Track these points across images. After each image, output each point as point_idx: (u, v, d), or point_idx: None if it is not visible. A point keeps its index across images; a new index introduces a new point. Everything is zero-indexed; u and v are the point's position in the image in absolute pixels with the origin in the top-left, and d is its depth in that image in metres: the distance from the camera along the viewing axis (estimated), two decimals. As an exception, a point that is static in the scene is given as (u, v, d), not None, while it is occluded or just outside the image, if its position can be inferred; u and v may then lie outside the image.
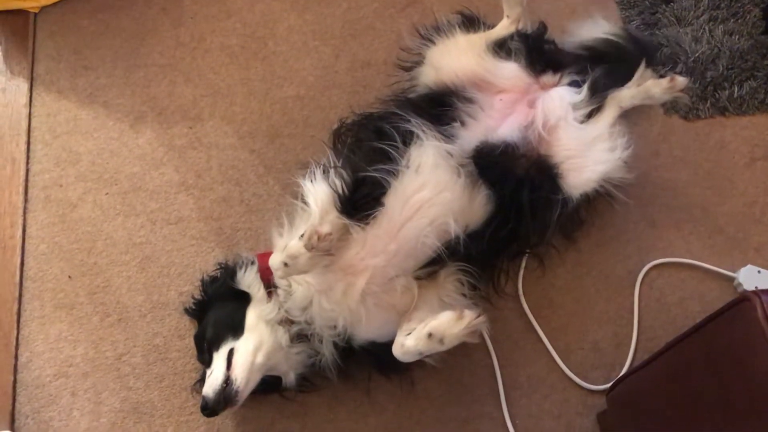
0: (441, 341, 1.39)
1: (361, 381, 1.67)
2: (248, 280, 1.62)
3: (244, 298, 1.61)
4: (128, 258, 1.84)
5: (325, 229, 1.40)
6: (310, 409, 1.70)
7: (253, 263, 1.64)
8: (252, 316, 1.58)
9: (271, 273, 1.55)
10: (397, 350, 1.47)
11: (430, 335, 1.40)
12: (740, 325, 1.19)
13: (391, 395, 1.70)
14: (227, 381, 1.49)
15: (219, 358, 1.53)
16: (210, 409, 1.48)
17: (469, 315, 1.39)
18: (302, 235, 1.40)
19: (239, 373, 1.49)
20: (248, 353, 1.52)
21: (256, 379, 1.53)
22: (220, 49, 2.07)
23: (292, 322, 1.55)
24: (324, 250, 1.41)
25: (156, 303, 1.80)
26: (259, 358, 1.52)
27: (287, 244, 1.43)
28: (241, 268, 1.64)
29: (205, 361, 1.57)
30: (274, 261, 1.46)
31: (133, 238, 1.86)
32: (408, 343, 1.44)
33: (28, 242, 1.86)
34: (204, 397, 1.49)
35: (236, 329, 1.56)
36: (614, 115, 1.66)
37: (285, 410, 1.69)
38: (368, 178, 1.51)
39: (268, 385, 1.59)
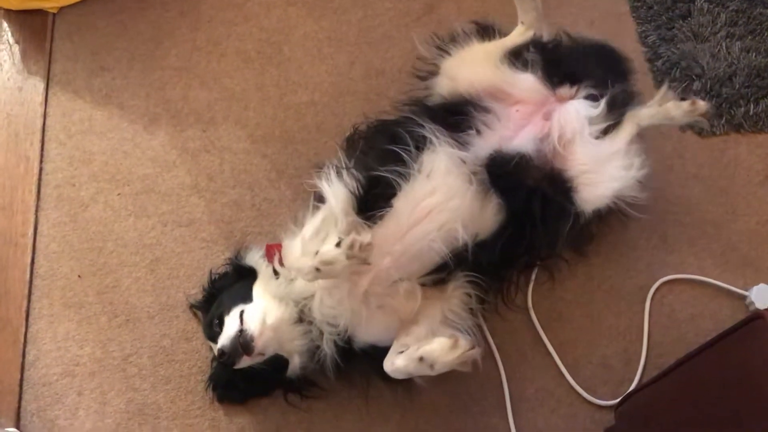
0: (431, 366, 1.40)
1: (363, 386, 1.66)
2: (255, 258, 1.65)
3: (251, 276, 1.63)
4: (138, 259, 1.85)
5: (367, 239, 1.38)
6: (315, 416, 1.69)
7: (260, 248, 1.67)
8: (259, 289, 1.59)
9: (273, 258, 1.58)
10: (387, 366, 1.48)
11: (421, 359, 1.40)
12: (752, 344, 1.18)
13: (396, 405, 1.69)
14: (241, 331, 1.48)
15: (230, 319, 1.53)
16: (228, 354, 1.47)
17: (464, 345, 1.39)
18: (338, 243, 1.38)
19: (251, 325, 1.49)
20: (258, 311, 1.52)
21: (268, 335, 1.50)
22: (236, 53, 2.07)
23: (296, 301, 1.55)
24: (363, 260, 1.40)
25: (164, 305, 1.80)
26: (269, 319, 1.52)
27: (318, 249, 1.41)
28: (248, 251, 1.69)
29: (216, 335, 1.55)
30: (303, 264, 1.44)
31: (144, 239, 1.86)
32: (398, 363, 1.44)
33: (40, 240, 1.87)
34: (220, 348, 1.49)
35: (245, 299, 1.57)
36: (632, 133, 1.65)
37: (290, 417, 1.69)
38: (379, 177, 1.52)
39: (276, 368, 1.57)
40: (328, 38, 2.09)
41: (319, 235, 1.49)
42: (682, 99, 1.65)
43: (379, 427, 1.69)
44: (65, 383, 1.74)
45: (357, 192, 1.50)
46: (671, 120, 1.66)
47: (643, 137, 1.71)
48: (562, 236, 1.64)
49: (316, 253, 1.41)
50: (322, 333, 1.53)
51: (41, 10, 2.09)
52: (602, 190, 1.62)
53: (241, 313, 1.52)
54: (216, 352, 1.52)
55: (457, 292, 1.59)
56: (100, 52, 2.07)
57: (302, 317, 1.55)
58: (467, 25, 1.79)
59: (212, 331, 1.59)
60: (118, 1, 2.12)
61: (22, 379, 1.73)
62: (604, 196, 1.63)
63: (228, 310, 1.55)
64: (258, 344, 1.48)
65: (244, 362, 1.51)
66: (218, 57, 2.07)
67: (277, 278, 1.58)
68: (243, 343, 1.47)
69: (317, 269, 1.41)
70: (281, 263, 1.57)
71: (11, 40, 2.08)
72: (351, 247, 1.37)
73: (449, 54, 1.77)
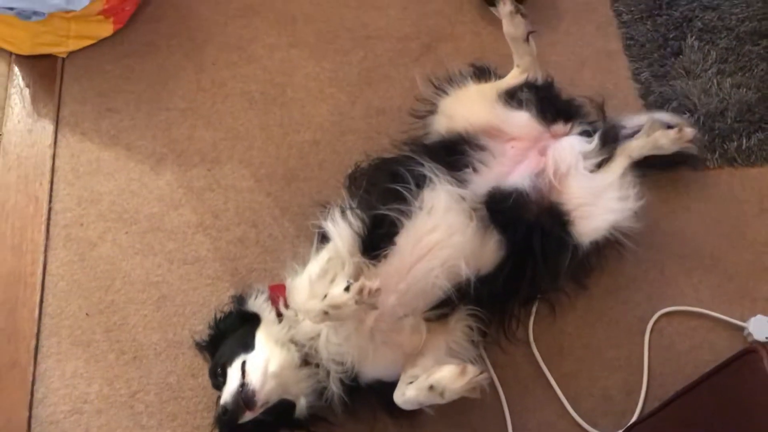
0: (441, 394, 1.42)
1: (369, 421, 1.67)
2: (258, 303, 1.66)
3: (254, 321, 1.64)
4: (145, 296, 1.87)
5: (376, 284, 1.40)
6: (320, 450, 1.71)
7: (263, 292, 1.68)
8: (262, 335, 1.60)
9: (278, 301, 1.60)
10: (398, 398, 1.50)
11: (431, 387, 1.42)
12: (748, 376, 1.20)
13: (400, 438, 1.71)
14: (243, 385, 1.49)
15: (233, 371, 1.54)
16: (230, 412, 1.48)
17: (472, 371, 1.42)
18: (347, 288, 1.40)
19: (254, 377, 1.50)
20: (260, 361, 1.53)
21: (271, 385, 1.51)
22: (240, 94, 2.13)
23: (300, 345, 1.57)
24: (371, 305, 1.43)
25: (171, 342, 1.82)
26: (272, 367, 1.52)
27: (327, 292, 1.44)
28: (251, 295, 1.69)
29: (220, 384, 1.57)
30: (311, 307, 1.46)
31: (151, 277, 1.90)
32: (409, 393, 1.46)
33: (48, 279, 1.89)
34: (222, 405, 1.49)
35: (247, 347, 1.58)
36: (624, 165, 1.70)
37: (295, 452, 1.70)
38: (382, 216, 1.56)
39: (282, 412, 1.58)
40: (330, 79, 2.15)
41: (326, 277, 1.52)
42: (669, 127, 1.69)
43: (383, 461, 1.70)
44: (73, 421, 1.75)
45: (362, 233, 1.53)
46: (661, 149, 1.70)
47: (638, 170, 1.75)
48: (562, 269, 1.67)
49: (325, 296, 1.43)
50: (328, 372, 1.55)
51: (51, 55, 2.15)
52: (599, 222, 1.66)
53: (243, 364, 1.53)
54: (218, 409, 1.53)
55: (460, 325, 1.61)
56: (107, 94, 2.13)
57: (307, 360, 1.56)
58: (464, 67, 1.85)
59: (216, 381, 1.60)
60: (125, 44, 2.18)
61: (30, 418, 1.75)
62: (600, 228, 1.66)
63: (230, 361, 1.56)
64: (260, 398, 1.49)
65: (247, 417, 1.51)
66: (222, 98, 2.12)
67: (281, 322, 1.60)
68: (245, 398, 1.48)
69: (326, 312, 1.43)
70: (286, 305, 1.60)
71: (22, 84, 2.13)
72: (360, 292, 1.39)
73: (446, 93, 1.82)
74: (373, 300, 1.41)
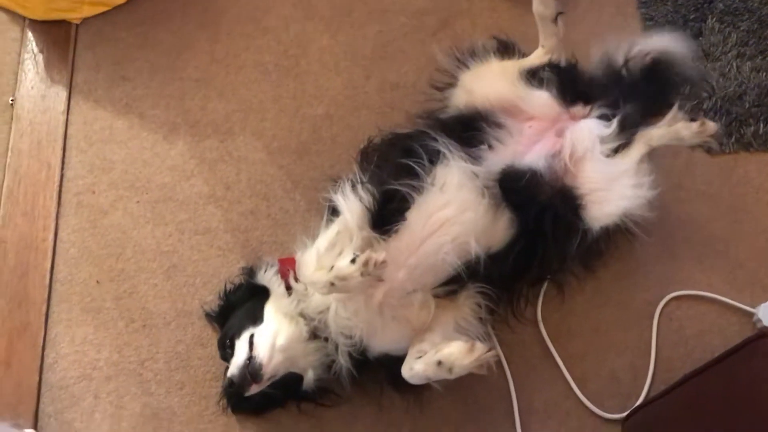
0: (450, 370, 1.42)
1: (376, 394, 1.68)
2: (268, 276, 1.67)
3: (264, 294, 1.65)
4: (155, 266, 1.88)
5: (381, 256, 1.41)
6: (327, 423, 1.72)
7: (273, 265, 1.68)
8: (271, 308, 1.61)
9: (288, 275, 1.60)
10: (405, 372, 1.50)
11: (439, 363, 1.42)
12: (757, 362, 1.20)
13: (406, 413, 1.71)
14: (250, 358, 1.51)
15: (241, 343, 1.56)
16: (236, 384, 1.50)
17: (480, 348, 1.41)
18: (353, 260, 1.41)
19: (261, 351, 1.52)
20: (268, 335, 1.55)
21: (278, 359, 1.53)
22: (254, 66, 2.11)
23: (309, 318, 1.58)
24: (377, 277, 1.43)
25: (180, 311, 1.84)
26: (280, 341, 1.54)
27: (334, 264, 1.44)
28: (261, 268, 1.70)
29: (228, 356, 1.58)
30: (318, 278, 1.47)
31: (161, 246, 1.90)
32: (417, 368, 1.47)
33: (59, 246, 1.91)
34: (229, 377, 1.52)
35: (256, 319, 1.59)
36: (642, 153, 1.67)
37: (302, 424, 1.71)
38: (393, 191, 1.55)
39: (290, 385, 1.60)
40: (345, 52, 2.13)
41: (334, 249, 1.52)
42: (692, 120, 1.67)
43: (389, 435, 1.72)
44: (82, 386, 1.77)
45: (372, 207, 1.53)
46: (681, 140, 1.67)
47: (654, 154, 1.74)
48: (571, 252, 1.66)
49: (332, 267, 1.44)
50: (336, 346, 1.56)
51: (65, 21, 2.14)
52: (611, 208, 1.65)
53: (251, 337, 1.55)
54: (225, 381, 1.55)
55: (468, 302, 1.61)
56: (121, 62, 2.12)
57: (316, 333, 1.57)
58: (488, 41, 1.83)
59: (224, 352, 1.62)
60: (140, 12, 2.17)
61: (40, 382, 1.77)
62: (613, 214, 1.65)
63: (239, 333, 1.58)
64: (267, 371, 1.51)
65: (254, 390, 1.53)
66: (236, 69, 2.11)
67: (290, 295, 1.61)
68: (252, 372, 1.50)
69: (332, 283, 1.44)
70: (296, 279, 1.60)
71: (35, 50, 2.12)
72: (366, 264, 1.39)
73: (467, 67, 1.81)
74: (379, 272, 1.41)
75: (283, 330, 1.56)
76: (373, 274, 1.41)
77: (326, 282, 1.44)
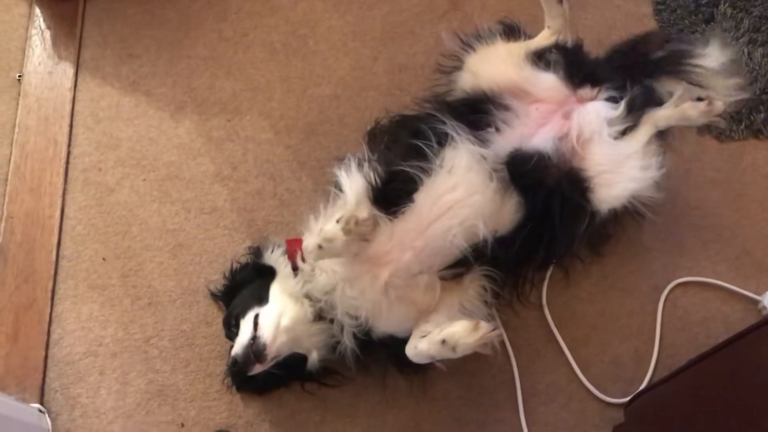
0: (453, 349, 1.42)
1: (380, 375, 1.69)
2: (275, 257, 1.67)
3: (270, 274, 1.66)
4: (161, 244, 1.89)
5: (363, 214, 1.42)
6: (330, 403, 1.73)
7: (280, 245, 1.69)
8: (277, 289, 1.62)
9: (295, 255, 1.60)
10: (410, 351, 1.50)
11: (443, 342, 1.42)
12: (763, 348, 1.20)
13: (409, 394, 1.72)
14: (254, 338, 1.52)
15: (245, 323, 1.57)
16: (240, 364, 1.51)
17: (485, 327, 1.41)
18: (339, 220, 1.42)
19: (265, 331, 1.52)
20: (273, 315, 1.56)
21: (282, 340, 1.54)
22: (262, 45, 2.10)
23: (315, 300, 1.58)
24: (360, 236, 1.44)
25: (186, 289, 1.84)
26: (284, 321, 1.55)
27: (322, 227, 1.46)
28: (268, 248, 1.70)
29: (233, 335, 1.60)
30: (309, 243, 1.49)
31: (168, 224, 1.91)
32: (421, 346, 1.47)
33: (66, 223, 1.91)
34: (233, 356, 1.53)
35: (261, 300, 1.60)
36: (649, 134, 1.66)
37: (305, 403, 1.73)
38: (401, 172, 1.55)
39: (294, 365, 1.61)
40: (353, 32, 2.12)
41: (331, 219, 1.52)
42: (699, 99, 1.65)
43: (392, 416, 1.73)
44: (88, 362, 1.78)
45: (374, 182, 1.52)
46: (688, 120, 1.66)
47: (661, 140, 1.73)
48: (578, 235, 1.66)
49: (320, 231, 1.45)
50: (341, 327, 1.56)
51: (73, -3, 2.13)
52: (619, 190, 1.64)
53: (256, 317, 1.55)
54: (229, 360, 1.56)
55: (474, 285, 1.61)
56: (128, 39, 2.11)
57: (321, 315, 1.58)
58: (493, 24, 1.81)
59: (229, 331, 1.63)
60: (148, -11, 2.16)
61: (46, 357, 1.79)
62: (620, 196, 1.64)
63: (244, 313, 1.59)
64: (271, 351, 1.51)
65: (257, 369, 1.54)
66: (244, 48, 2.10)
67: (296, 276, 1.61)
68: (256, 352, 1.50)
69: (320, 246, 1.45)
70: (303, 259, 1.60)
71: (43, 26, 2.12)
72: (348, 221, 1.41)
73: (473, 50, 1.79)
74: (362, 229, 1.42)
75: (288, 311, 1.57)
76: (355, 232, 1.41)
77: (315, 246, 1.46)
